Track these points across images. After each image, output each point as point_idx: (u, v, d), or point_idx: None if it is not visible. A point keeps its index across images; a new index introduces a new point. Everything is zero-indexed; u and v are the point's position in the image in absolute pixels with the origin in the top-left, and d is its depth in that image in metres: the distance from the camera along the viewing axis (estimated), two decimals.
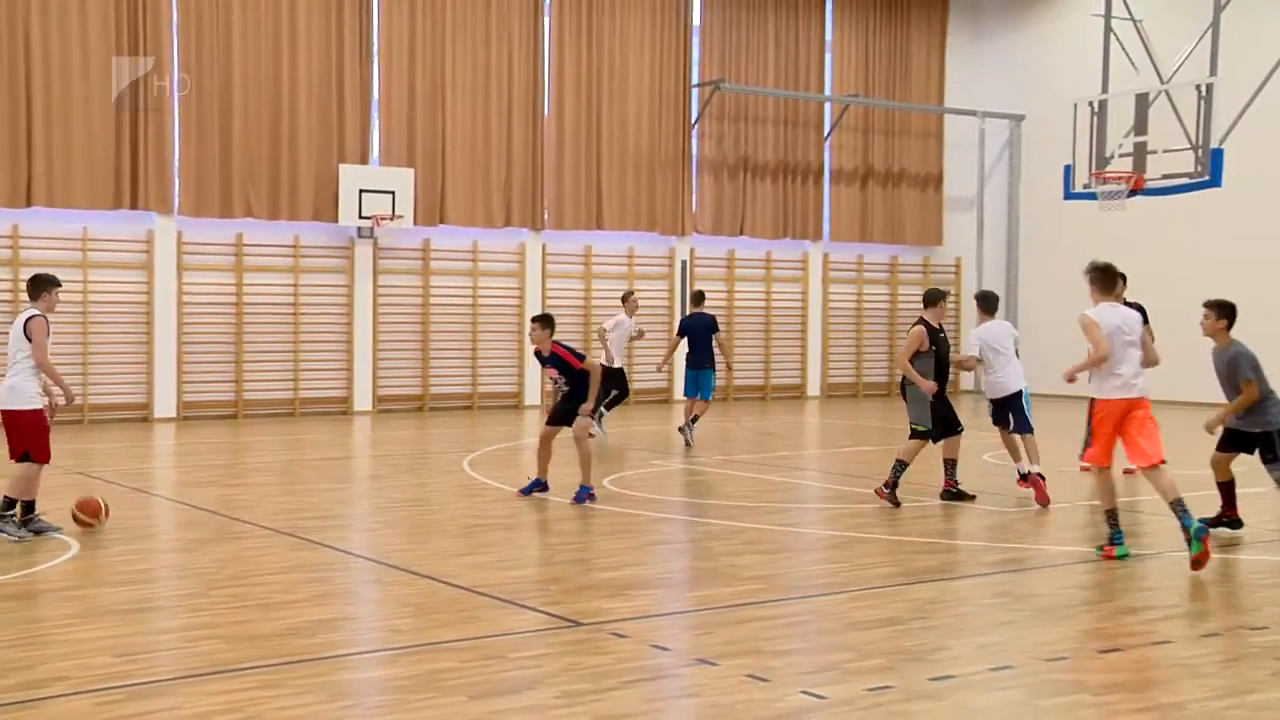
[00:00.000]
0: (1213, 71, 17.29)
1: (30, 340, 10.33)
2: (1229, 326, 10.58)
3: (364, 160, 23.44)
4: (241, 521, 11.43)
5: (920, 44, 29.85)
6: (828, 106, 28.73)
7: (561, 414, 12.79)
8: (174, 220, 21.88)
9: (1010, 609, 8.27)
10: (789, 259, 28.41)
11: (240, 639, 7.30)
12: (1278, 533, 11.42)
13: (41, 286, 10.67)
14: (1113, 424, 9.72)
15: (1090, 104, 18.36)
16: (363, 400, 23.59)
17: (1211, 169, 16.80)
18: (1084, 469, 13.22)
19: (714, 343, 18.01)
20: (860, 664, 6.83)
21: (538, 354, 12.82)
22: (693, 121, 26.86)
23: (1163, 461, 9.47)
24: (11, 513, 10.34)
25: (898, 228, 29.57)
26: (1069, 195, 18.77)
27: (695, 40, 27.01)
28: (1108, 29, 18.77)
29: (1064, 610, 8.21)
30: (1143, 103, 18.05)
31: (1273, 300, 24.80)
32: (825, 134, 28.71)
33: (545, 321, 12.68)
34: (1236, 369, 10.33)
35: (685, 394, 18.25)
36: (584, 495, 12.42)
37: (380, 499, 13.55)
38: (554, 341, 12.59)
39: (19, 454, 10.46)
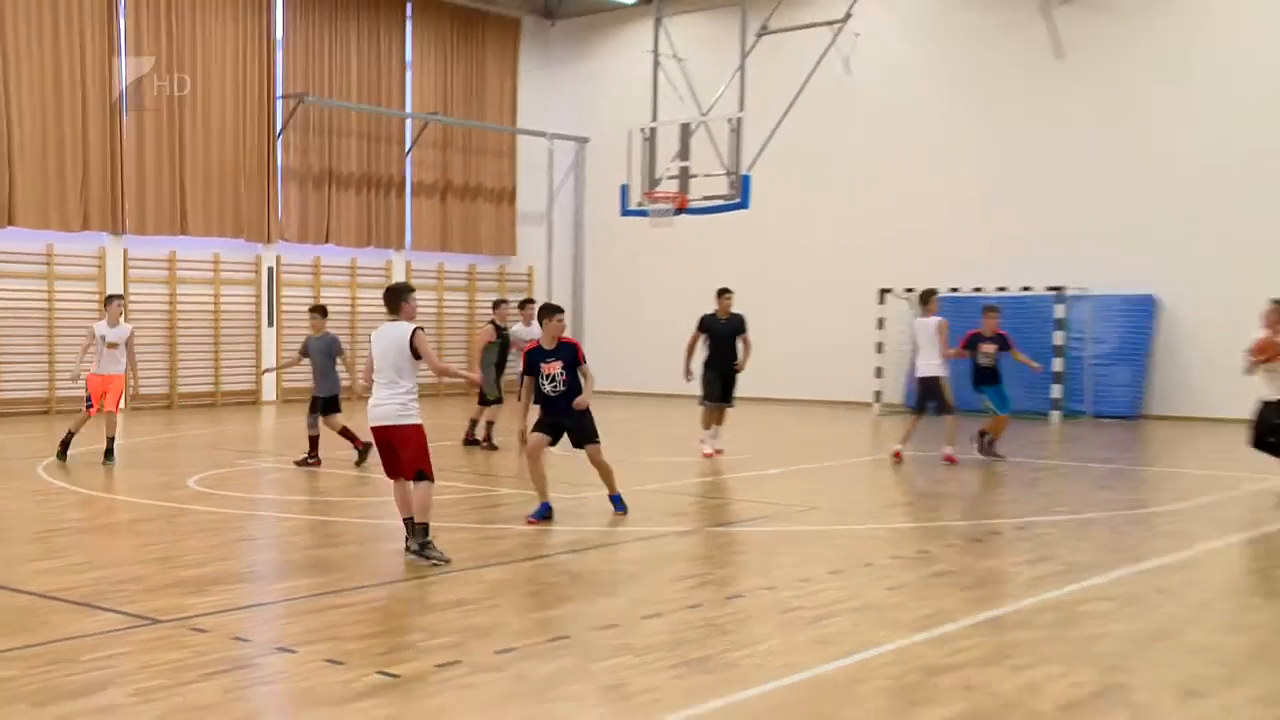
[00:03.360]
0: (741, 107, 18.43)
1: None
2: None
3: None
4: None
5: (495, 69, 30.24)
6: (409, 123, 28.66)
7: (560, 423, 11.03)
8: None
9: (568, 586, 8.55)
10: (373, 266, 28.13)
11: None
12: (793, 508, 12.32)
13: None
14: None
15: (643, 130, 19.16)
16: None
17: (742, 192, 17.87)
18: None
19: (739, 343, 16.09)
20: (431, 643, 6.87)
21: (538, 350, 10.94)
22: (278, 133, 26.13)
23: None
24: (429, 538, 9.11)
25: (474, 238, 29.86)
26: (625, 212, 19.52)
27: (279, 53, 26.28)
28: (656, 64, 19.66)
29: (614, 584, 8.56)
30: (686, 132, 18.99)
31: (787, 306, 26.76)
32: (407, 149, 28.63)
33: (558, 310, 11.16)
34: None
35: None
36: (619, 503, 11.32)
37: None
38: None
39: (413, 472, 9.22)
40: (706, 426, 16.19)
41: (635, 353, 27.36)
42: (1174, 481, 13.70)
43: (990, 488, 13.63)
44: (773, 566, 9.22)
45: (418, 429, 9.28)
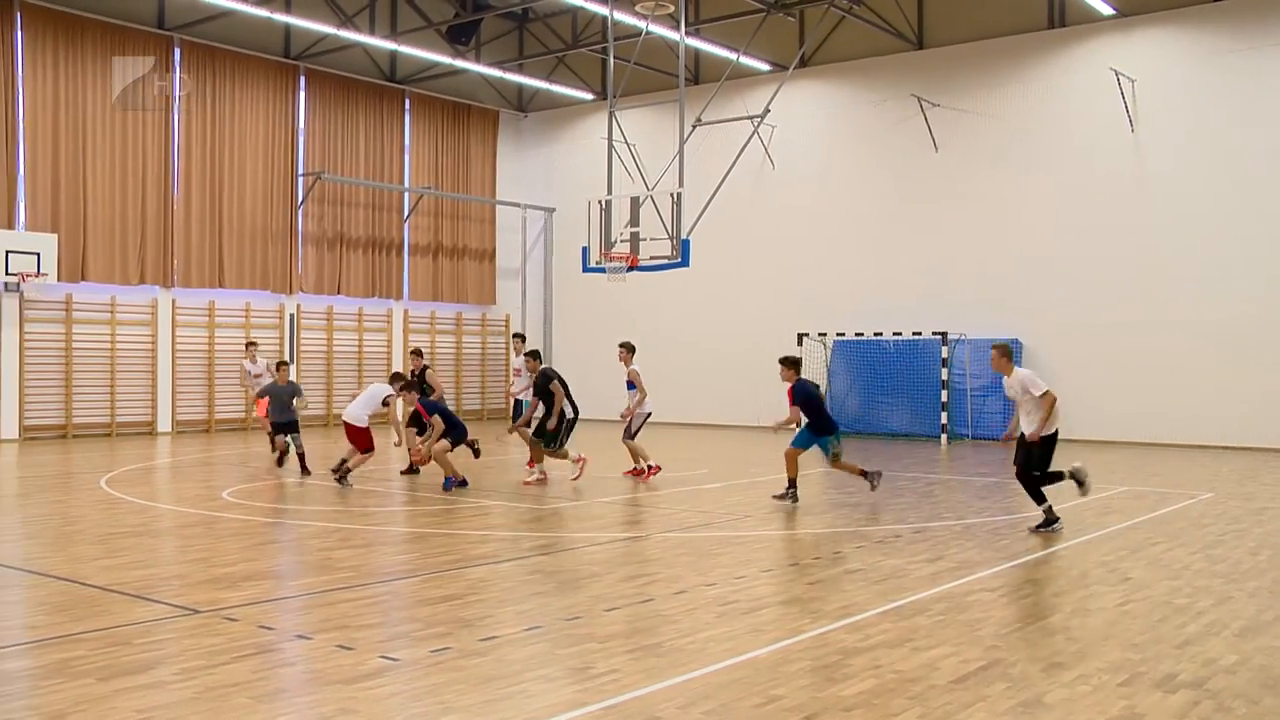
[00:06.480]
0: (680, 184, 18.45)
1: None
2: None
3: (10, 226, 21.17)
4: None
5: (477, 151, 30.21)
6: (406, 195, 28.53)
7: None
8: None
9: (541, 583, 8.42)
10: (377, 314, 27.93)
11: None
12: (728, 516, 12.27)
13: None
14: None
15: (600, 202, 19.13)
16: (9, 430, 21.18)
17: (682, 254, 17.83)
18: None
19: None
20: (426, 632, 6.75)
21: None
22: (299, 203, 25.95)
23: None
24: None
25: (461, 290, 29.73)
26: (586, 269, 19.42)
27: (301, 139, 26.16)
28: (610, 148, 19.64)
29: (579, 582, 8.44)
30: (635, 203, 18.97)
31: (718, 347, 26.82)
32: (405, 216, 28.48)
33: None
34: None
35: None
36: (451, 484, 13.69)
37: (23, 514, 12.13)
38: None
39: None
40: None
41: (594, 385, 27.28)
42: None
43: (891, 498, 13.62)
44: (713, 566, 9.13)
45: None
